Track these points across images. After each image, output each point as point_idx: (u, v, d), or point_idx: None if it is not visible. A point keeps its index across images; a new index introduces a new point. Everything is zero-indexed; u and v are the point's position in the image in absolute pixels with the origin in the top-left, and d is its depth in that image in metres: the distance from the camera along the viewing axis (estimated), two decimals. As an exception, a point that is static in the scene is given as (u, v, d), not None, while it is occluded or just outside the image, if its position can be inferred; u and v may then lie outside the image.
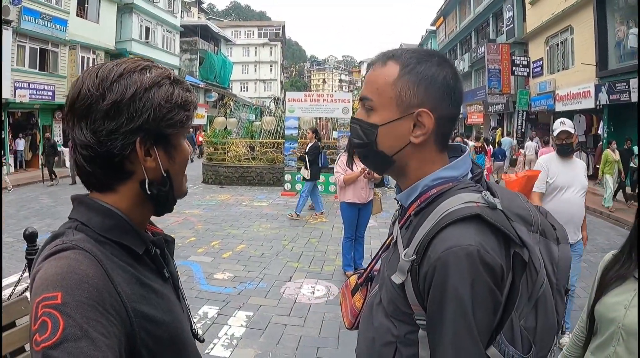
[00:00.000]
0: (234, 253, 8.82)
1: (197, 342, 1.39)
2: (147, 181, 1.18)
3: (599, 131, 20.49)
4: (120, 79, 1.13)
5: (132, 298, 1.06)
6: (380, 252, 1.72)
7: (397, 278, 1.31)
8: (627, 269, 2.03)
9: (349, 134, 1.84)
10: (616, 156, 14.88)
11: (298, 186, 15.72)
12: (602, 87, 18.73)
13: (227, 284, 7.10)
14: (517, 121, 28.43)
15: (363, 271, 1.85)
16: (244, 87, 74.12)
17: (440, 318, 1.20)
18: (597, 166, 20.17)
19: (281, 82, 78.60)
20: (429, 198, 1.36)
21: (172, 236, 1.41)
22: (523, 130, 27.63)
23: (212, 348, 5.08)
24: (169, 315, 1.18)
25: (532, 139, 23.04)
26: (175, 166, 1.24)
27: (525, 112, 27.68)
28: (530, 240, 1.28)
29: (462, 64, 39.59)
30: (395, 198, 1.56)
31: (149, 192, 1.18)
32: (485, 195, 1.28)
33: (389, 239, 1.61)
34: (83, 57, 26.99)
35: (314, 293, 6.82)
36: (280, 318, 5.92)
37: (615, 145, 15.10)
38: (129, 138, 1.12)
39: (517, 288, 1.24)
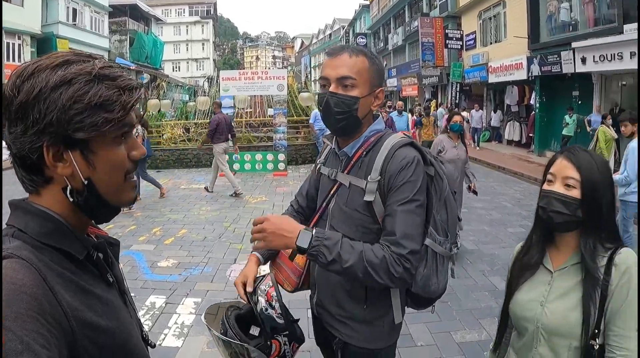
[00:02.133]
0: (176, 238, 8.50)
1: (149, 348, 1.34)
2: (68, 188, 1.08)
3: (531, 101, 21.09)
4: (31, 77, 1.03)
5: (74, 307, 1.00)
6: (323, 206, 2.16)
7: (369, 197, 1.92)
8: (534, 258, 1.95)
9: (323, 106, 2.04)
10: (613, 133, 12.55)
11: (236, 166, 15.39)
12: (534, 59, 19.08)
13: (172, 271, 6.85)
14: (451, 92, 28.83)
15: None
16: (176, 67, 71.48)
17: (398, 194, 1.88)
18: (530, 134, 20.79)
19: (214, 60, 76.54)
20: (371, 143, 2.03)
21: (115, 238, 1.34)
22: (457, 101, 28.02)
23: (163, 340, 4.85)
24: (115, 322, 1.12)
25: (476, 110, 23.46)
26: (99, 173, 1.10)
27: (458, 84, 28.07)
28: (434, 161, 2.01)
29: (395, 38, 39.73)
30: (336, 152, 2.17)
31: (71, 199, 1.09)
32: (405, 136, 2.04)
33: (332, 190, 2.11)
34: (8, 44, 24.99)
35: (259, 273, 6.53)
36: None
37: (610, 120, 12.87)
38: (35, 142, 1.03)
39: (430, 192, 1.96)
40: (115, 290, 1.22)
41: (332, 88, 1.96)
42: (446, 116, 18.58)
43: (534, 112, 20.59)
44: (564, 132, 17.34)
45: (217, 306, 2.22)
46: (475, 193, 7.70)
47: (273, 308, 2.02)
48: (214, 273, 6.78)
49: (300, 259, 2.21)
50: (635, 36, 13.61)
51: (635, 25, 13.73)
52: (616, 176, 6.56)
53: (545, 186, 1.84)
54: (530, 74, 19.66)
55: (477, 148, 21.10)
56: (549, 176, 1.85)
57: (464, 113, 22.26)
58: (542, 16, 19.20)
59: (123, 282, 1.29)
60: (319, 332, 2.33)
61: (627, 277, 1.69)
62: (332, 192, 2.11)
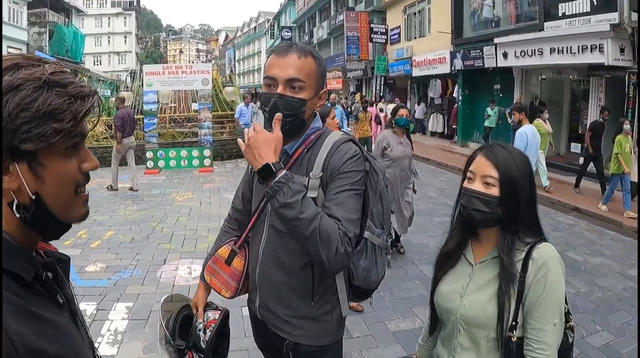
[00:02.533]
0: (103, 241, 7.84)
1: None
2: (15, 202, 0.99)
3: (454, 94, 21.28)
4: None
5: (21, 334, 0.89)
6: (261, 206, 2.09)
7: (312, 193, 1.87)
8: (456, 252, 1.94)
9: (269, 108, 1.96)
10: (548, 126, 12.20)
11: (161, 163, 14.73)
12: (457, 54, 19.29)
13: (101, 276, 6.37)
14: (376, 86, 28.89)
15: (237, 238, 2.21)
16: (97, 61, 67.33)
17: (340, 181, 1.87)
18: (453, 126, 21.04)
19: (136, 54, 73.43)
20: (312, 140, 1.99)
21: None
22: (381, 94, 28.02)
23: (97, 348, 4.21)
24: (66, 347, 1.01)
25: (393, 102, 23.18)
26: (48, 187, 1.00)
27: (383, 77, 28.10)
28: (369, 156, 1.99)
29: (320, 32, 39.50)
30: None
31: (17, 215, 0.99)
32: (345, 133, 2.05)
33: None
34: None
35: (191, 273, 6.40)
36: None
37: (547, 114, 12.57)
38: None
39: (367, 186, 1.94)
40: (66, 311, 1.11)
41: (280, 89, 1.88)
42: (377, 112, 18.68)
43: (456, 104, 20.81)
44: (486, 123, 17.61)
45: (181, 297, 2.37)
46: (414, 191, 7.18)
47: (205, 333, 2.12)
48: (144, 275, 6.38)
49: (238, 263, 2.18)
50: (555, 33, 13.91)
51: (555, 22, 14.08)
52: None
53: (466, 184, 1.82)
54: (453, 68, 19.85)
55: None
56: (468, 174, 1.82)
57: (388, 105, 22.41)
58: (466, 12, 19.41)
59: (74, 302, 1.19)
60: (263, 336, 2.25)
61: (544, 272, 1.67)
62: (262, 202, 2.08)
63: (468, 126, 20.20)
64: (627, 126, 9.97)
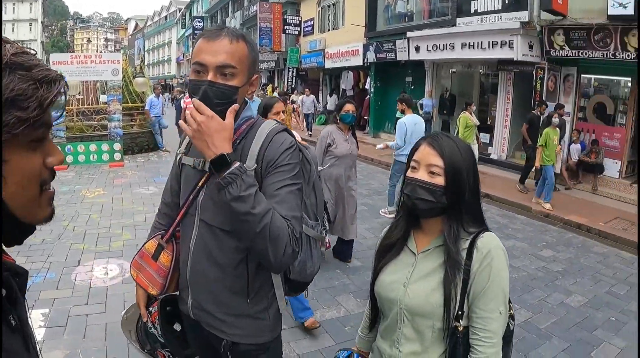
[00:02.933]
0: (12, 243, 6.85)
1: None
2: None
3: (366, 86, 21.11)
4: None
5: None
6: (190, 200, 1.90)
7: None
8: (399, 241, 1.86)
9: (200, 96, 1.70)
10: (475, 120, 12.21)
11: (69, 159, 13.43)
12: (370, 46, 19.09)
13: None
14: (288, 77, 28.29)
15: (164, 232, 2.04)
16: None
17: (279, 176, 1.75)
18: (365, 117, 20.88)
19: (42, 42, 67.87)
20: (244, 130, 1.85)
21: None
22: (293, 86, 27.52)
23: None
24: None
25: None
26: (9, 186, 0.84)
27: (295, 69, 27.57)
28: (301, 146, 1.94)
29: (233, 22, 38.36)
30: None
31: None
32: (278, 122, 1.92)
33: (201, 181, 1.86)
34: None
35: (107, 274, 5.92)
36: (79, 309, 4.97)
37: (474, 107, 12.68)
38: None
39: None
40: (19, 334, 0.92)
41: (210, 77, 1.71)
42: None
43: (368, 96, 20.66)
44: (398, 115, 16.97)
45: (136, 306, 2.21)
46: None
47: (156, 328, 2.07)
48: (58, 278, 5.79)
49: (164, 258, 2.02)
50: (467, 29, 14.03)
51: (467, 19, 14.22)
52: (391, 143, 8.54)
53: (410, 173, 1.74)
54: (366, 60, 19.66)
55: (309, 133, 20.43)
56: (412, 163, 1.74)
57: (300, 97, 22.02)
58: (380, 6, 19.25)
59: (27, 323, 0.98)
60: (199, 337, 2.06)
61: (489, 261, 1.64)
62: (200, 183, 1.88)
63: (380, 117, 20.12)
64: (555, 119, 10.02)
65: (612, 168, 11.64)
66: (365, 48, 19.57)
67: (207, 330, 1.95)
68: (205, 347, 2.07)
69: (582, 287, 6.25)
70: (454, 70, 16.91)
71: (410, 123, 8.19)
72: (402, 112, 8.70)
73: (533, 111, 11.76)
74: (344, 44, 21.33)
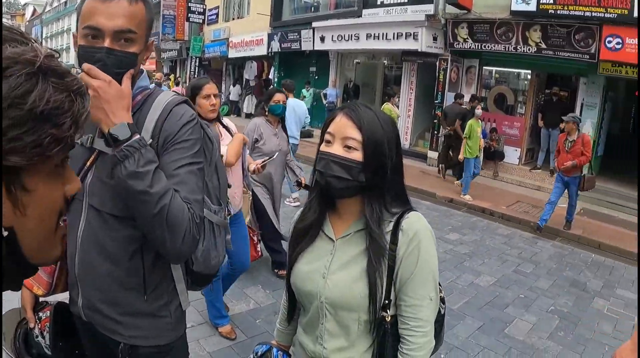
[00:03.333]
0: None
1: None
2: None
3: (270, 76, 20.17)
4: None
5: None
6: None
7: None
8: (313, 226, 1.59)
9: (95, 65, 1.41)
10: (397, 111, 11.72)
11: None
12: (275, 36, 18.27)
13: None
14: (190, 67, 26.66)
15: None
16: None
17: (179, 153, 1.51)
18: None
19: None
20: (139, 101, 1.57)
21: None
22: (195, 76, 26.02)
23: None
24: None
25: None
26: (28, 220, 0.67)
27: (198, 58, 25.99)
28: (202, 122, 1.65)
29: (135, 9, 36.31)
30: None
31: None
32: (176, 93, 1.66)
33: (89, 161, 1.54)
34: None
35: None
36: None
37: (397, 99, 12.17)
38: None
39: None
40: None
41: (107, 43, 1.44)
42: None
43: (272, 86, 19.68)
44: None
45: (13, 312, 1.88)
46: (307, 187, 5.62)
47: (44, 338, 1.78)
48: None
49: None
50: (372, 20, 13.72)
51: (373, 10, 13.93)
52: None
53: (323, 147, 1.48)
54: (270, 50, 18.78)
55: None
56: (326, 136, 1.48)
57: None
58: (287, -5, 18.48)
59: None
60: (94, 341, 1.74)
61: (416, 243, 1.45)
62: (88, 164, 1.54)
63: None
64: (478, 111, 9.79)
65: (512, 155, 12.01)
66: (270, 38, 18.69)
67: (102, 333, 1.66)
68: (99, 351, 1.78)
69: (489, 267, 6.33)
70: (358, 60, 16.61)
71: (290, 107, 8.12)
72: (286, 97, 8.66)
73: (464, 106, 11.14)
74: (249, 34, 20.26)
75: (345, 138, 1.43)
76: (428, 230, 1.50)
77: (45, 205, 0.69)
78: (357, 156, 1.42)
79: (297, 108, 8.17)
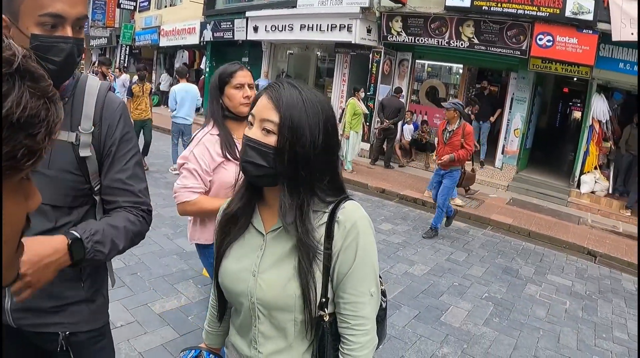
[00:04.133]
0: None
1: None
2: None
3: (202, 66, 18.94)
4: None
5: None
6: None
7: (84, 152, 1.42)
8: (240, 218, 1.37)
9: (63, 58, 1.32)
10: (363, 107, 10.67)
11: None
12: (208, 25, 17.01)
13: None
14: (120, 55, 24.80)
15: None
16: None
17: (125, 145, 1.51)
18: (199, 98, 18.66)
19: None
20: (67, 86, 1.44)
21: None
22: (126, 65, 24.22)
23: None
24: None
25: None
26: None
27: (128, 46, 23.90)
28: None
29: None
30: None
31: None
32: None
33: None
34: None
35: None
36: None
37: (363, 93, 10.98)
38: None
39: None
40: None
41: (69, 32, 1.31)
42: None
43: (203, 76, 18.43)
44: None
45: None
46: None
47: None
48: None
49: None
50: (307, 11, 13.01)
51: (308, 1, 13.12)
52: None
53: (245, 130, 1.28)
54: (202, 39, 17.49)
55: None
56: (249, 117, 1.28)
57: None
58: (221, -17, 17.28)
59: None
60: (21, 348, 1.58)
61: (354, 235, 1.26)
62: None
63: (213, 98, 18.13)
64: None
65: None
66: (203, 26, 17.39)
67: (35, 334, 1.52)
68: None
69: (423, 257, 6.17)
70: (292, 51, 15.81)
71: (181, 90, 8.63)
72: (178, 82, 9.15)
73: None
74: (181, 22, 18.84)
75: (263, 120, 1.24)
76: (366, 219, 1.31)
77: (10, 223, 0.59)
78: (274, 140, 1.22)
79: (189, 91, 8.69)
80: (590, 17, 8.78)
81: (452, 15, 10.43)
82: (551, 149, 12.64)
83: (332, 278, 1.29)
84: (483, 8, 9.82)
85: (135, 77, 9.84)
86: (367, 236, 1.29)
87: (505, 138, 10.99)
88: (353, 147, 10.34)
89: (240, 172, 1.33)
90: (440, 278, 5.47)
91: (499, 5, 9.62)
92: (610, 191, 10.02)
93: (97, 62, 7.93)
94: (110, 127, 1.47)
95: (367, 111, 10.93)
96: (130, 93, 9.12)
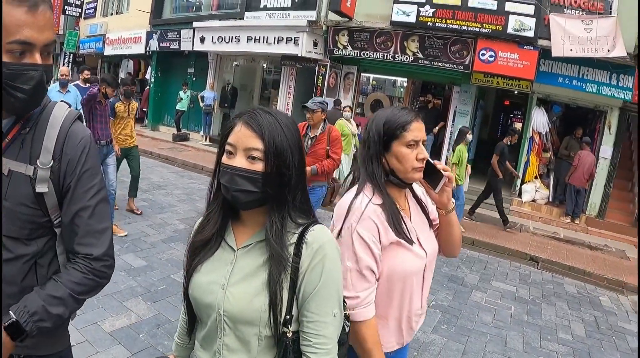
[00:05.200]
0: None
1: None
2: None
3: (147, 76, 18.14)
4: None
5: None
6: None
7: (41, 188, 1.31)
8: (215, 235, 1.37)
9: (32, 86, 1.28)
10: (353, 128, 9.46)
11: None
12: (154, 34, 16.29)
13: None
14: (63, 63, 23.66)
15: None
16: None
17: (86, 183, 1.37)
18: (144, 109, 17.92)
19: None
20: (32, 114, 1.35)
21: None
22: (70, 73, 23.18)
23: None
24: None
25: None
26: None
27: (72, 54, 22.79)
28: None
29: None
30: None
31: None
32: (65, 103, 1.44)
33: None
34: None
35: None
36: None
37: (350, 113, 9.87)
38: None
39: None
40: None
41: (38, 59, 1.25)
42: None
43: (148, 87, 17.64)
44: (178, 107, 15.32)
45: None
46: None
47: None
48: None
49: None
50: (254, 23, 12.68)
51: (256, 13, 12.87)
52: None
53: (225, 160, 1.27)
54: (148, 48, 16.71)
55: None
56: (227, 147, 1.28)
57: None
58: (170, -7, 16.59)
59: None
60: None
61: (320, 257, 1.26)
62: None
63: (159, 109, 17.23)
64: (469, 137, 8.16)
65: None
66: (149, 36, 16.62)
67: None
68: None
69: None
70: (238, 63, 15.28)
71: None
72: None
73: (502, 141, 9.10)
74: (127, 30, 17.91)
75: (247, 149, 1.24)
76: (333, 243, 1.32)
77: None
78: (262, 166, 1.24)
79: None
80: (531, 34, 9.05)
81: (397, 30, 10.36)
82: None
83: (298, 297, 1.28)
84: (428, 24, 9.82)
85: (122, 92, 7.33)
86: (333, 259, 1.29)
87: (448, 149, 10.98)
88: (342, 172, 8.79)
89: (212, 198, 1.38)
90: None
91: (444, 21, 9.65)
92: (551, 199, 10.39)
93: (99, 79, 6.34)
94: (71, 162, 1.35)
95: (357, 131, 9.72)
96: (113, 113, 6.66)
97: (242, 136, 1.25)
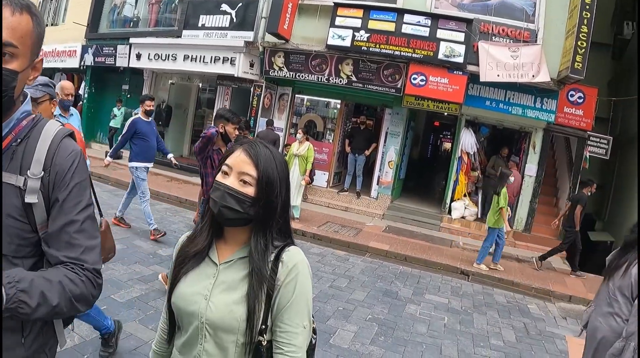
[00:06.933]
0: None
1: None
2: None
3: (80, 91, 17.00)
4: None
5: None
6: None
7: (31, 198, 1.24)
8: (200, 250, 1.44)
9: None
10: (302, 148, 8.84)
11: None
12: (90, 48, 15.28)
13: None
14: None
15: None
16: None
17: (74, 198, 1.29)
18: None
19: None
20: (25, 127, 1.30)
21: None
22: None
23: None
24: None
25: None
26: None
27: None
28: None
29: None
30: None
31: None
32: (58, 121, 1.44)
33: None
34: None
35: None
36: None
37: (301, 135, 8.97)
38: None
39: None
40: None
41: None
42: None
43: (81, 102, 16.45)
44: (112, 124, 14.33)
45: None
46: None
47: None
48: None
49: None
50: (192, 42, 12.16)
51: (194, 32, 12.31)
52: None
53: (219, 178, 1.38)
54: (83, 63, 15.66)
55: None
56: (224, 168, 1.39)
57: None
58: (107, 7, 15.57)
59: None
60: None
61: (294, 275, 1.37)
62: None
63: (92, 125, 15.96)
64: (511, 179, 7.79)
65: (321, 178, 11.29)
66: (84, 50, 15.56)
67: None
68: None
69: None
70: (173, 81, 14.52)
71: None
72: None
73: (582, 191, 8.53)
74: (62, 43, 16.64)
75: (241, 173, 1.36)
76: (305, 263, 1.42)
77: None
78: (251, 191, 1.35)
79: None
80: (461, 59, 9.18)
81: (332, 53, 10.19)
82: (423, 178, 13.03)
83: (272, 309, 1.36)
84: (362, 48, 9.72)
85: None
86: (305, 277, 1.38)
87: (380, 169, 11.03)
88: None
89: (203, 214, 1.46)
90: (325, 304, 5.36)
91: (377, 46, 9.58)
92: (479, 216, 10.46)
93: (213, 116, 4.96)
94: (60, 174, 1.27)
95: (302, 152, 8.96)
96: None
97: (240, 161, 1.36)
